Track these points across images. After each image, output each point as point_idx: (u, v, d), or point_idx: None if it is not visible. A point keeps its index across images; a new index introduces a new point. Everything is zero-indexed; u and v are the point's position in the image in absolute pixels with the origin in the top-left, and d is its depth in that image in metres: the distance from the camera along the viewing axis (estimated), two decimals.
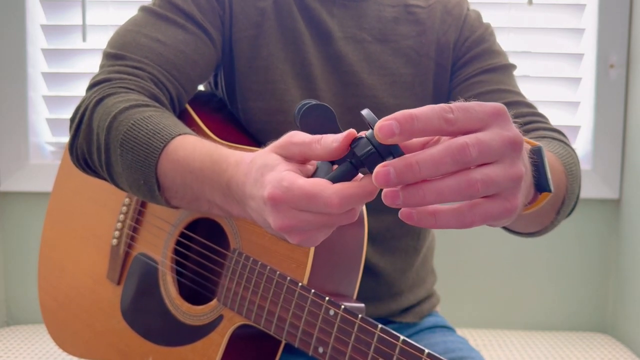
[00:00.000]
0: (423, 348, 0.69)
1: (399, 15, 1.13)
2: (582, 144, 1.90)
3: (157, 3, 1.05)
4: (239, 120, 1.11)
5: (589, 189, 1.87)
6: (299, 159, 0.63)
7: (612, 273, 1.90)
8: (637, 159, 1.78)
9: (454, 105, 0.53)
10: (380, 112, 1.07)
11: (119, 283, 1.13)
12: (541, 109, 1.89)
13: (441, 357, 0.67)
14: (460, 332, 1.34)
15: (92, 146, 0.93)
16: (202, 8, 1.05)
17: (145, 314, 1.08)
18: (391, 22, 1.12)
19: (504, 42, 1.86)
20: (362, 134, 0.58)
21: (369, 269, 1.09)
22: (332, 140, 0.60)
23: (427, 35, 1.12)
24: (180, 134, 0.86)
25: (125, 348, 1.10)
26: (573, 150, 0.97)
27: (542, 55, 1.89)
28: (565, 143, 0.98)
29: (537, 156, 0.67)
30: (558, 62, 1.89)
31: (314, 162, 0.65)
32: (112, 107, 0.91)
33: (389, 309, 1.14)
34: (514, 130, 0.54)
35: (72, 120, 0.97)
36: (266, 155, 0.66)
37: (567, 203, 0.91)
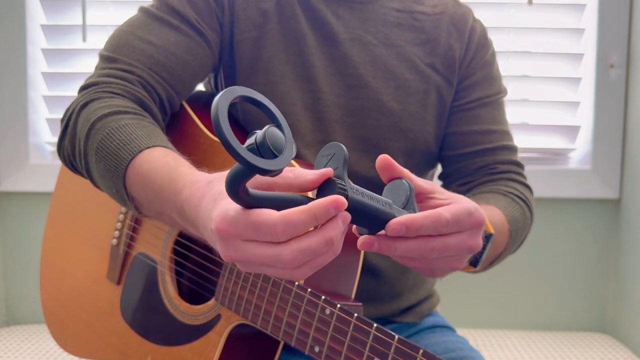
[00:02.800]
0: (418, 346, 0.70)
1: (403, 21, 1.12)
2: (582, 144, 1.90)
3: (154, 4, 1.06)
4: (239, 122, 1.11)
5: (589, 189, 1.87)
6: (264, 187, 0.62)
7: (612, 273, 1.90)
8: (637, 159, 1.78)
9: (450, 218, 0.68)
10: (384, 116, 1.08)
11: (118, 283, 1.13)
12: (541, 109, 1.89)
13: (436, 356, 0.67)
14: (460, 332, 1.34)
15: (75, 150, 0.95)
16: (199, 9, 1.05)
17: (144, 313, 1.08)
18: (396, 27, 1.12)
19: (504, 42, 1.86)
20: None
21: (370, 270, 1.09)
22: (308, 172, 0.60)
23: (432, 45, 1.12)
24: (148, 147, 0.86)
25: (124, 348, 1.10)
26: (530, 211, 1.11)
27: (542, 55, 1.89)
28: (527, 204, 1.10)
29: (486, 240, 0.88)
30: (558, 62, 1.89)
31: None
32: (93, 114, 0.92)
33: (389, 309, 1.14)
34: (477, 240, 0.73)
35: (61, 121, 0.99)
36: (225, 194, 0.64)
37: (501, 258, 1.05)
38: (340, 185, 0.57)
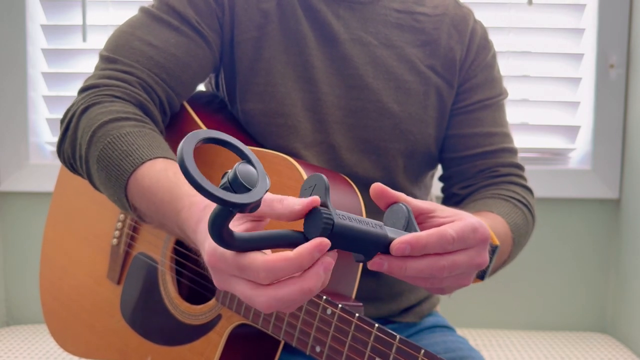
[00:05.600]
0: (420, 347, 0.69)
1: (404, 22, 1.12)
2: (582, 144, 1.90)
3: (155, 5, 1.06)
4: (240, 122, 1.11)
5: (589, 189, 1.87)
6: (254, 216, 0.63)
7: (612, 273, 1.90)
8: (637, 159, 1.78)
9: (456, 235, 0.68)
10: (384, 118, 1.08)
11: (119, 283, 1.13)
12: (541, 109, 1.89)
13: (437, 356, 0.67)
14: (460, 332, 1.34)
15: (76, 154, 0.95)
16: (199, 10, 1.05)
17: (144, 313, 1.08)
18: (396, 28, 1.11)
19: (504, 42, 1.86)
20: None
21: (370, 270, 1.09)
22: (295, 202, 0.60)
23: (433, 47, 1.12)
24: (150, 159, 0.86)
25: (124, 347, 1.10)
26: (532, 214, 1.11)
27: (542, 55, 1.89)
28: (529, 208, 1.10)
29: (492, 253, 0.89)
30: (558, 62, 1.89)
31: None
32: (94, 119, 0.92)
33: (389, 309, 1.14)
34: (484, 256, 0.73)
35: (61, 122, 0.99)
36: None
37: (504, 265, 1.06)
38: (325, 214, 0.58)
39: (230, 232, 0.57)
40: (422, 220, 0.74)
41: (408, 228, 0.67)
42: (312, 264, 0.59)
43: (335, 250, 0.61)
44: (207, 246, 0.63)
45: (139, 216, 0.90)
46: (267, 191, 0.55)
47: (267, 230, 0.59)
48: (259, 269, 0.58)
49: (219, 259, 0.61)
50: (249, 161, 0.56)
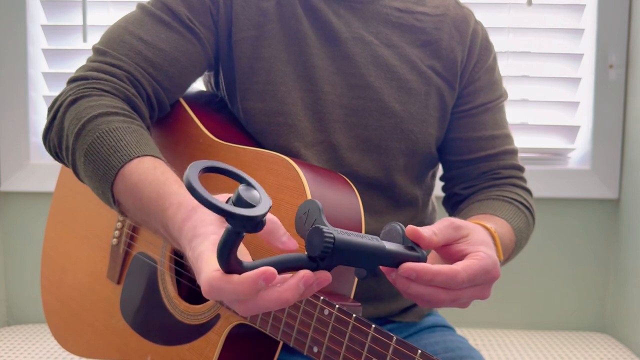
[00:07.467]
0: (416, 347, 0.70)
1: (405, 22, 1.12)
2: (581, 144, 1.90)
3: (150, 2, 1.07)
4: (240, 121, 1.11)
5: (588, 189, 1.87)
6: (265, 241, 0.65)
7: (612, 273, 1.90)
8: (636, 159, 1.78)
9: (466, 278, 0.73)
10: (386, 117, 1.08)
11: (118, 282, 1.13)
12: (541, 109, 1.89)
13: (434, 357, 0.67)
14: (460, 332, 1.35)
15: (62, 144, 0.96)
16: (192, 7, 1.06)
17: (144, 313, 1.08)
18: (397, 28, 1.12)
19: (504, 42, 1.87)
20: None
21: None
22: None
23: (434, 47, 1.12)
24: (138, 156, 0.87)
25: (124, 347, 1.10)
26: (533, 217, 1.13)
27: (542, 55, 1.89)
28: (531, 211, 1.13)
29: None
30: (558, 62, 1.89)
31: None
32: (83, 113, 0.93)
33: (389, 308, 1.14)
34: (488, 292, 0.79)
35: (49, 110, 0.99)
36: (205, 222, 0.68)
37: (503, 265, 1.07)
38: (326, 231, 0.60)
39: (239, 261, 0.59)
40: (448, 245, 0.78)
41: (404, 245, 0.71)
42: (292, 277, 0.61)
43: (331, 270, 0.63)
44: (195, 244, 0.66)
45: (122, 212, 0.90)
46: (270, 208, 0.56)
47: (271, 257, 0.60)
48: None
49: (216, 290, 0.62)
50: (248, 184, 0.58)
